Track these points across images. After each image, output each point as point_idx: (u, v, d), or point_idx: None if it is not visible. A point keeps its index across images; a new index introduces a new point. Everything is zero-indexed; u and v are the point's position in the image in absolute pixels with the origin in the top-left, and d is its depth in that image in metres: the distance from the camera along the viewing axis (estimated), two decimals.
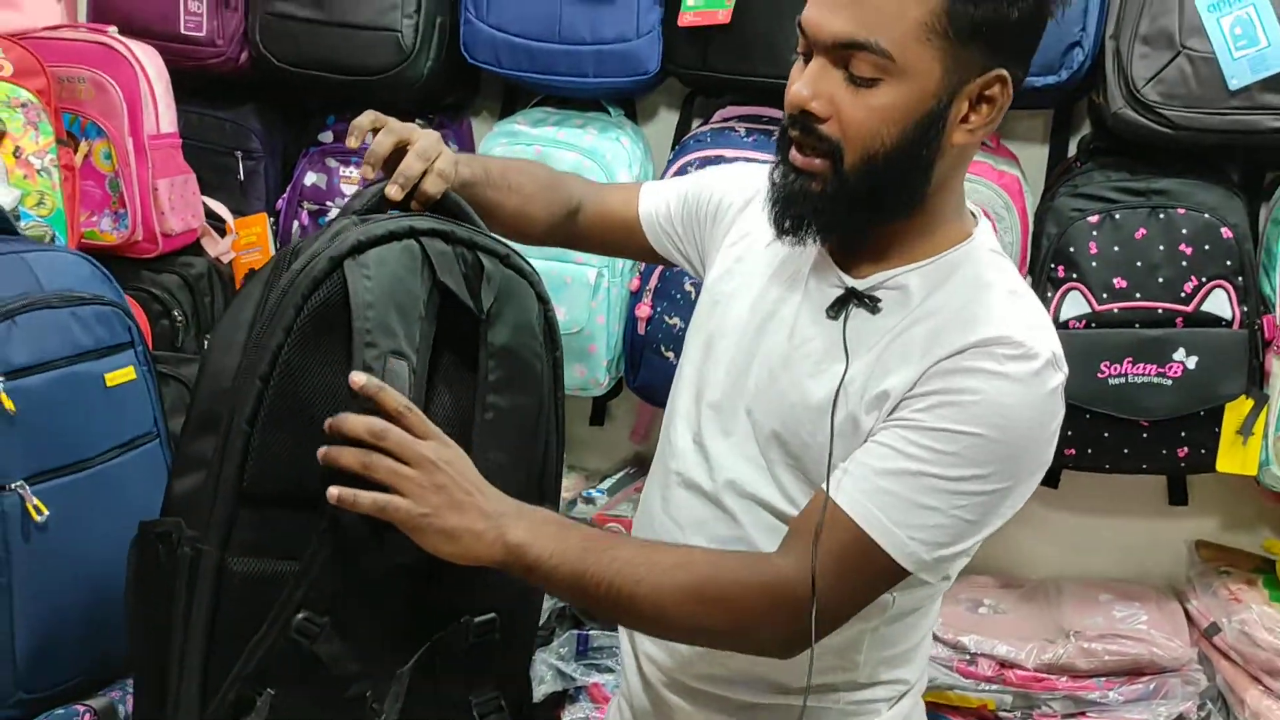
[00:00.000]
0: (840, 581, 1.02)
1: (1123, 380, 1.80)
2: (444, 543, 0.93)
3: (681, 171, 1.99)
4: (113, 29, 2.01)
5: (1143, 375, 1.79)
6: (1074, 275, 1.82)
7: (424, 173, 1.08)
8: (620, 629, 1.30)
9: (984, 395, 1.01)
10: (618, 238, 1.36)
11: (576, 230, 1.35)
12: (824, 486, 1.04)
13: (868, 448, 1.04)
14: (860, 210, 1.05)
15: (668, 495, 1.21)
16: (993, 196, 1.86)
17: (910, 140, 1.01)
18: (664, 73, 2.03)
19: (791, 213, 1.06)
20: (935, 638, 1.83)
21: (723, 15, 1.91)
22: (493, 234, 1.09)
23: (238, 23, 2.10)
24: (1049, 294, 1.84)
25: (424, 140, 1.10)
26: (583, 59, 1.98)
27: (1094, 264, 1.81)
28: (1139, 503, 2.09)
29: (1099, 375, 1.80)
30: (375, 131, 1.14)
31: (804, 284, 1.14)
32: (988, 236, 1.14)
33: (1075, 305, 1.83)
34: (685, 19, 1.94)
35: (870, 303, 1.09)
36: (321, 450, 0.91)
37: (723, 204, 1.26)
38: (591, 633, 1.94)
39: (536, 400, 1.07)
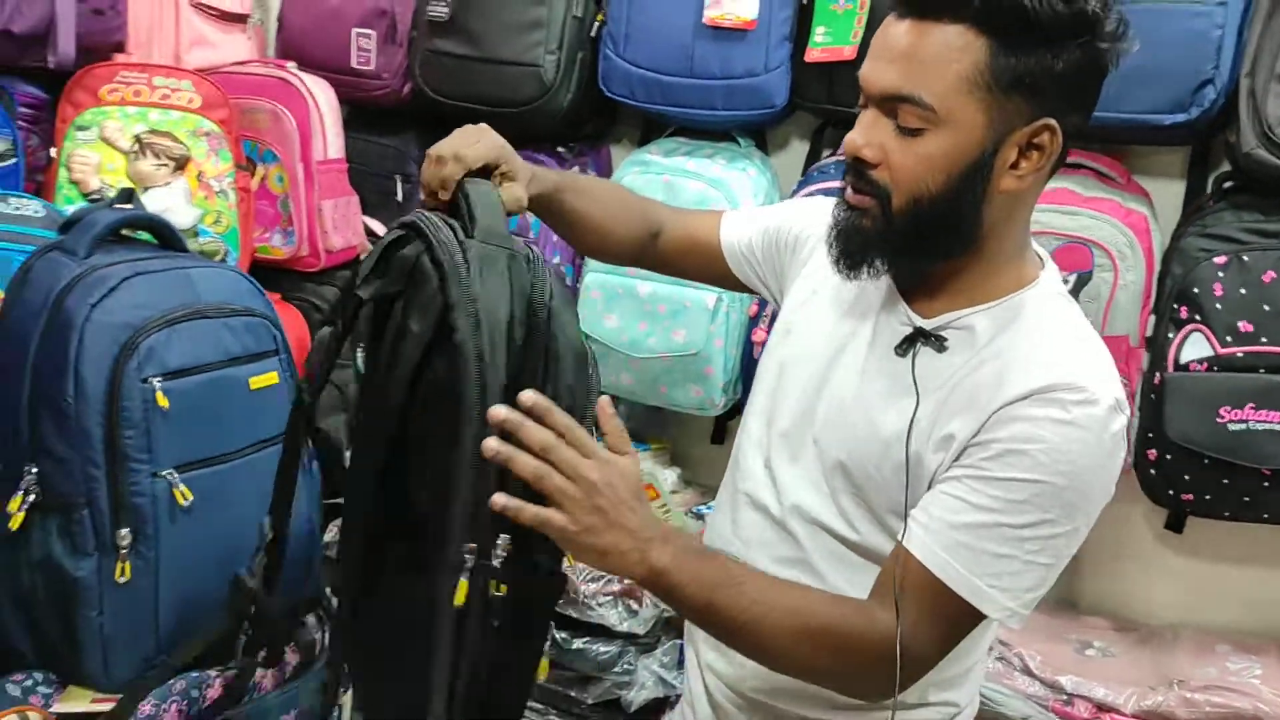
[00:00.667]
0: (931, 632, 1.08)
1: (1244, 426, 1.74)
2: (593, 558, 1.00)
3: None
4: (292, 64, 2.22)
5: (1265, 422, 1.73)
6: (1197, 316, 1.78)
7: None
8: (685, 640, 1.37)
9: (1049, 443, 1.04)
10: (698, 262, 1.42)
11: (657, 252, 1.42)
12: (902, 530, 1.10)
13: (940, 499, 1.08)
14: (908, 249, 1.10)
15: (736, 516, 1.27)
16: (1116, 234, 1.83)
17: (955, 186, 1.06)
18: (792, 106, 2.10)
19: (845, 247, 1.12)
20: (1031, 674, 1.83)
21: (848, 51, 1.96)
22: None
23: (401, 58, 2.29)
24: (1170, 334, 1.80)
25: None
26: (713, 93, 2.06)
27: (1218, 306, 1.76)
28: (1267, 553, 2.00)
29: (1219, 420, 1.75)
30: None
31: (874, 320, 1.19)
32: (1053, 280, 1.16)
33: (1197, 347, 1.79)
34: (812, 55, 2.00)
35: (937, 341, 1.13)
36: (493, 446, 0.95)
37: (801, 236, 1.33)
38: None
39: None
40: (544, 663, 1.12)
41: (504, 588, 0.97)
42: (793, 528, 1.20)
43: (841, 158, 2.09)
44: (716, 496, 1.35)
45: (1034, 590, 1.08)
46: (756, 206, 2.09)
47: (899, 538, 1.10)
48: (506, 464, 0.96)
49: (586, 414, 1.03)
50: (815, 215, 1.33)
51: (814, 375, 1.21)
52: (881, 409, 1.14)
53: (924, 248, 1.10)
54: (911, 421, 1.11)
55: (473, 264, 1.01)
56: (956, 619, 1.09)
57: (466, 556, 0.97)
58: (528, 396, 0.98)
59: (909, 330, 1.15)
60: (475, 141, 1.19)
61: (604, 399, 1.04)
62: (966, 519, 1.06)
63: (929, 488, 1.11)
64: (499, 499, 0.96)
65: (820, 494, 1.19)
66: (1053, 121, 1.05)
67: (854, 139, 1.09)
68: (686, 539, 1.07)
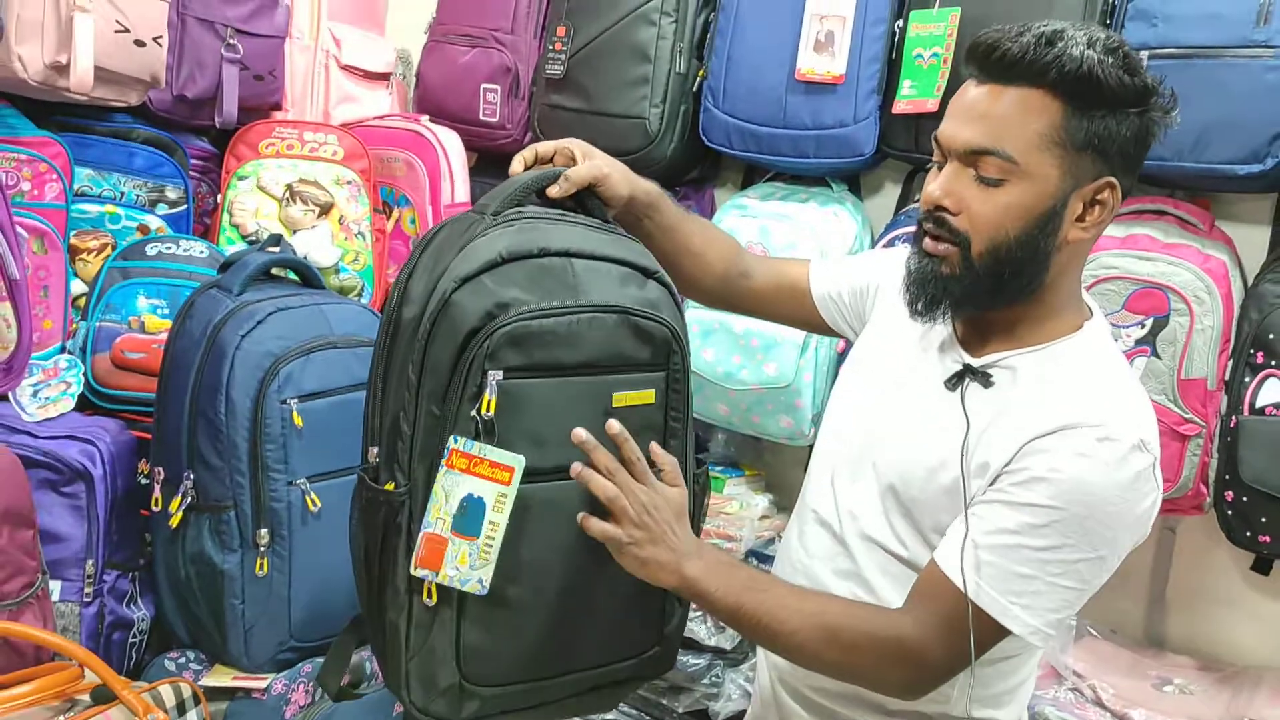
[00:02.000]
0: (949, 641, 1.18)
1: None
2: (637, 566, 1.17)
3: (892, 243, 2.16)
4: (425, 118, 2.45)
5: None
6: (1273, 362, 1.80)
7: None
8: (759, 650, 1.50)
9: (1069, 474, 1.13)
10: (786, 305, 1.53)
11: (747, 291, 1.52)
12: (937, 554, 1.20)
13: (972, 521, 1.18)
14: (984, 293, 1.20)
15: (803, 529, 1.39)
16: (1193, 280, 1.88)
17: (1031, 234, 1.16)
18: (881, 154, 2.21)
19: (923, 293, 1.22)
20: (1103, 706, 1.87)
21: (931, 104, 2.06)
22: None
23: (523, 111, 2.49)
24: (1246, 379, 1.83)
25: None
26: (804, 142, 2.19)
27: None
28: None
29: None
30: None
31: (933, 358, 1.30)
32: (1099, 328, 1.25)
33: (1273, 392, 1.81)
34: (899, 107, 2.11)
35: (984, 378, 1.24)
36: (576, 469, 1.15)
37: (882, 284, 1.43)
38: None
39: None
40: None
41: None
42: (850, 542, 1.31)
43: None
44: (793, 514, 1.47)
45: (1058, 612, 1.17)
46: (843, 251, 2.21)
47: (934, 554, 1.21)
48: (585, 482, 1.15)
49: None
50: (891, 264, 1.43)
51: (876, 404, 1.33)
52: (930, 437, 1.24)
53: (999, 291, 1.19)
54: (963, 448, 1.21)
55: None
56: (977, 632, 1.17)
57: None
58: (614, 425, 1.17)
59: (959, 367, 1.25)
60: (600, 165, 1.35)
61: (655, 446, 1.20)
62: (993, 540, 1.15)
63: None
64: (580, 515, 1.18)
65: (875, 512, 1.29)
66: (1114, 179, 1.16)
67: (933, 191, 1.19)
68: (719, 554, 1.21)
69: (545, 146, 1.35)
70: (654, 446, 1.21)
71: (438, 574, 1.13)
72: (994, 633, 1.18)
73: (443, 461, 1.14)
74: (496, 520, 1.14)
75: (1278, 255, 1.93)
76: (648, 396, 1.25)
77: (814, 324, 1.53)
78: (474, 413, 1.13)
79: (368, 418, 1.23)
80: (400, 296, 1.20)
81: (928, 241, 1.21)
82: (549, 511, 1.19)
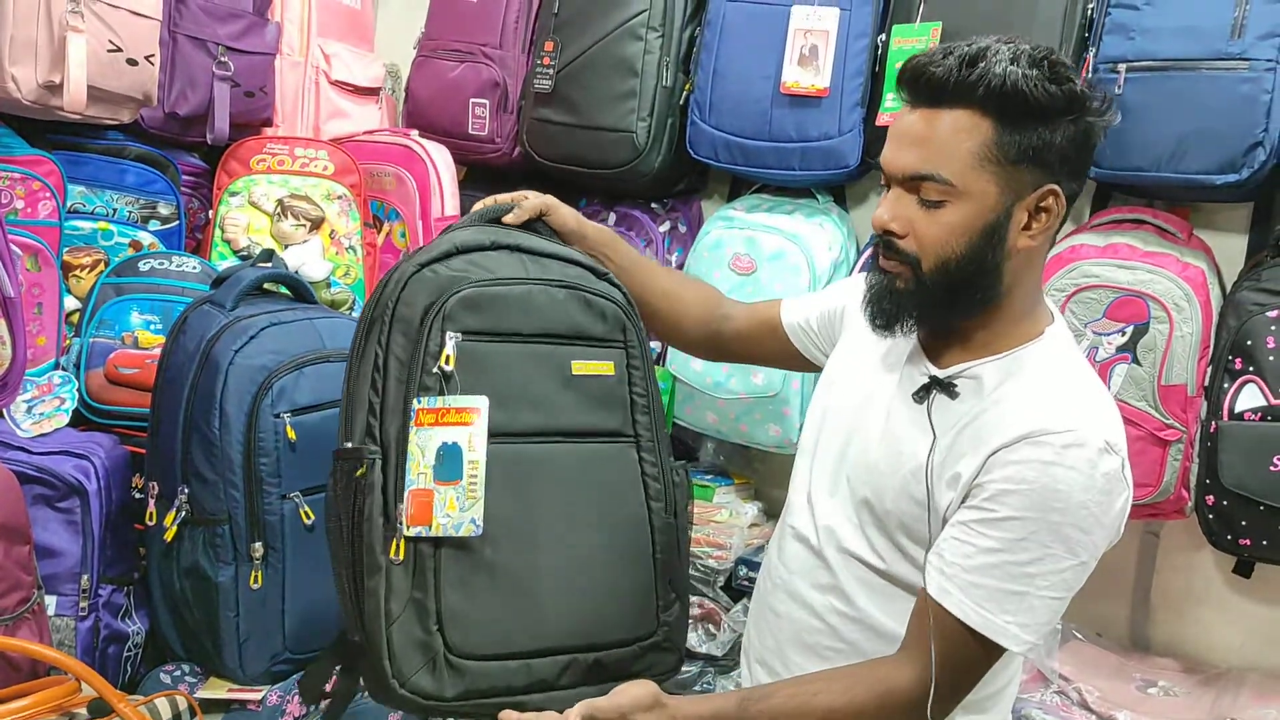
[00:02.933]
0: (955, 674, 1.20)
1: None
2: None
3: (875, 255, 2.18)
4: (414, 132, 2.47)
5: None
6: (1251, 368, 1.84)
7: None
8: (742, 662, 1.52)
9: (1040, 483, 1.16)
10: (766, 343, 1.57)
11: (732, 333, 1.58)
12: (928, 585, 1.21)
13: (951, 545, 1.20)
14: (939, 306, 1.23)
15: (783, 545, 1.42)
16: (1172, 288, 1.91)
17: (977, 248, 1.20)
18: (866, 165, 2.23)
19: (880, 307, 1.26)
20: (1089, 708, 1.90)
21: None
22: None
23: (512, 125, 2.51)
24: (1225, 385, 1.86)
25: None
26: (790, 154, 2.22)
27: (1271, 358, 1.81)
28: None
29: (1272, 469, 1.80)
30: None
31: (899, 372, 1.33)
32: (1061, 334, 1.28)
33: (1251, 398, 1.84)
34: (883, 119, 2.13)
35: (949, 389, 1.26)
36: None
37: (848, 307, 1.47)
38: None
39: None
40: None
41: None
42: (828, 556, 1.34)
43: None
44: (776, 528, 1.50)
45: (1050, 623, 1.20)
46: (830, 260, 2.23)
47: (923, 583, 1.22)
48: None
49: None
50: (857, 287, 1.47)
51: (847, 420, 1.35)
52: (900, 451, 1.27)
53: (954, 302, 1.23)
54: (929, 458, 1.24)
55: None
56: (978, 656, 1.20)
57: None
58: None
59: (926, 379, 1.28)
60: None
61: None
62: (977, 561, 1.17)
63: (943, 524, 1.24)
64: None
65: (851, 525, 1.32)
66: (1056, 187, 1.19)
67: (881, 216, 1.23)
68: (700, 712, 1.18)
69: (503, 197, 1.46)
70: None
71: (430, 527, 1.17)
72: (991, 654, 1.20)
73: (411, 423, 1.20)
74: (475, 459, 1.19)
75: (1255, 263, 1.96)
76: (607, 367, 1.33)
77: (793, 358, 1.56)
78: (435, 369, 1.21)
79: (343, 410, 1.29)
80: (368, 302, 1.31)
81: (882, 260, 1.25)
82: (517, 469, 1.24)
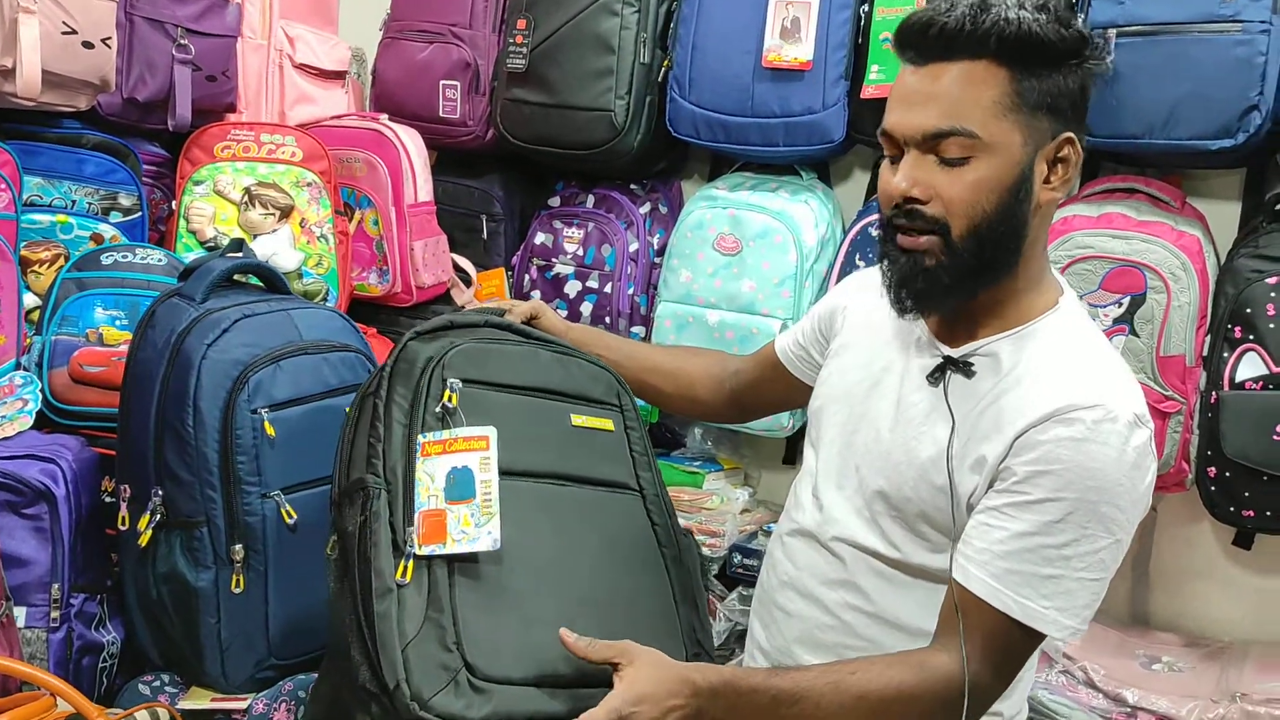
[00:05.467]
0: (997, 664, 1.15)
1: None
2: None
3: (865, 230, 2.14)
4: (384, 116, 2.39)
5: None
6: (1251, 336, 1.81)
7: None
8: (746, 657, 1.47)
9: (1073, 461, 1.11)
10: (776, 383, 1.52)
11: (747, 385, 1.55)
12: (956, 573, 1.16)
13: (981, 531, 1.15)
14: (970, 275, 1.17)
15: (787, 540, 1.36)
16: (1168, 257, 1.88)
17: (1007, 204, 1.14)
18: (851, 140, 2.19)
19: (910, 290, 1.19)
20: (1095, 686, 1.87)
21: None
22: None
23: (484, 107, 2.44)
24: (1225, 354, 1.83)
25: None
26: (773, 130, 2.16)
27: (1272, 325, 1.79)
28: None
29: (1275, 438, 1.77)
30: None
31: (906, 355, 1.27)
32: (1071, 303, 1.24)
33: (1252, 366, 1.81)
34: (867, 91, 2.09)
35: (965, 369, 1.21)
36: None
37: (837, 304, 1.43)
38: None
39: None
40: None
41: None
42: (838, 551, 1.29)
43: None
44: (776, 526, 1.45)
45: (1091, 606, 1.14)
46: (816, 238, 2.19)
47: (949, 572, 1.17)
48: None
49: None
50: (844, 287, 1.45)
51: (854, 408, 1.30)
52: (917, 436, 1.22)
53: (985, 270, 1.17)
54: (950, 442, 1.19)
55: None
56: (1016, 645, 1.15)
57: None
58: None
59: (939, 360, 1.23)
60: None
61: (564, 632, 1.10)
62: (1010, 546, 1.12)
63: (968, 511, 1.18)
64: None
65: (862, 519, 1.27)
66: (1072, 135, 1.15)
67: (898, 184, 1.16)
68: (733, 684, 1.10)
69: (491, 305, 1.50)
70: (563, 636, 1.10)
71: (445, 545, 1.12)
72: (1030, 642, 1.16)
73: (418, 455, 1.18)
74: (488, 479, 1.16)
75: (1250, 229, 1.93)
76: (606, 424, 1.34)
77: (798, 388, 1.50)
78: (438, 408, 1.20)
79: (338, 469, 1.28)
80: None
81: (902, 238, 1.18)
82: (528, 506, 1.20)
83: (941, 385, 1.22)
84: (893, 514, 1.24)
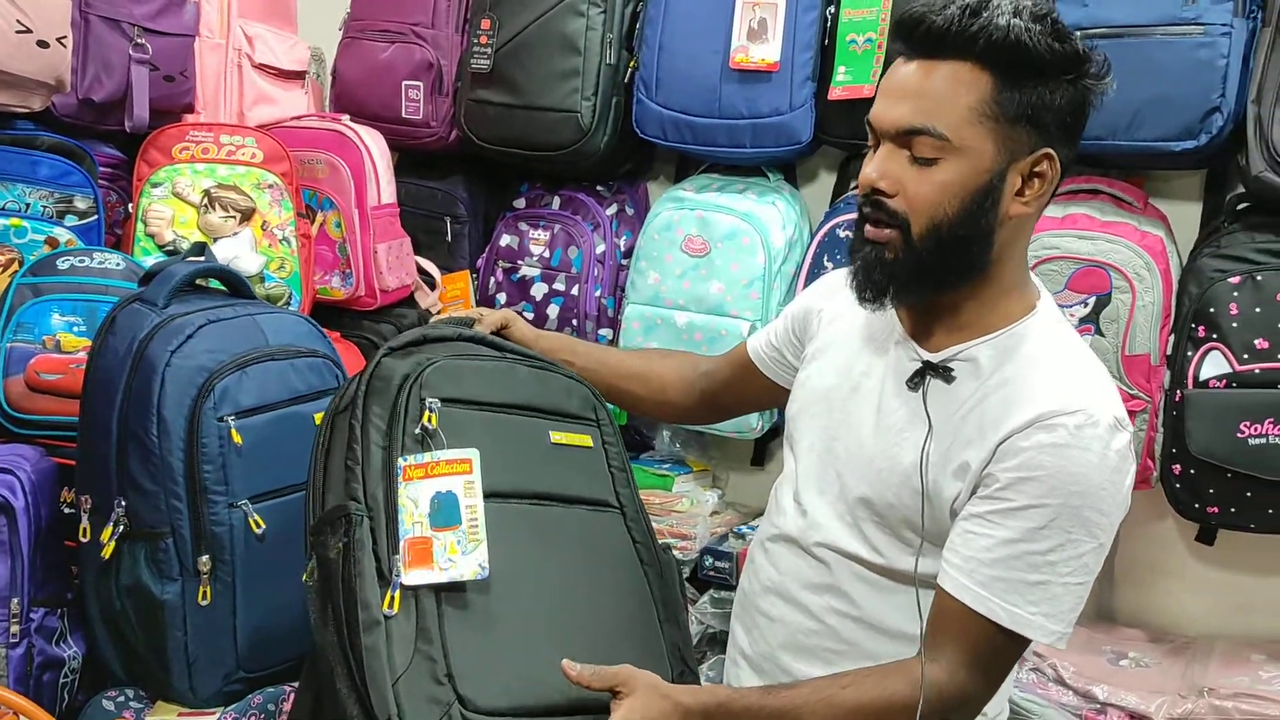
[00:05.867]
0: (987, 669, 1.15)
1: (1264, 441, 1.79)
2: None
3: (833, 232, 2.14)
4: (346, 117, 2.35)
5: None
6: (1214, 335, 1.83)
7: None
8: (727, 661, 1.45)
9: (1056, 466, 1.11)
10: (748, 383, 1.51)
11: (721, 385, 1.54)
12: (942, 580, 1.15)
13: (967, 538, 1.15)
14: (929, 275, 1.17)
15: (770, 546, 1.35)
16: (1132, 257, 1.90)
17: (970, 211, 1.14)
18: (818, 141, 2.19)
19: (869, 279, 1.19)
20: (1065, 684, 1.89)
21: (867, 89, 2.04)
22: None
23: (448, 107, 2.41)
24: (1189, 353, 1.85)
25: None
26: (740, 132, 2.16)
27: (1235, 324, 1.82)
28: None
29: (1239, 435, 1.80)
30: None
31: (885, 359, 1.27)
32: (1050, 308, 1.24)
33: (1216, 365, 1.84)
34: (834, 93, 2.09)
35: (945, 374, 1.21)
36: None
37: (813, 305, 1.42)
38: None
39: None
40: None
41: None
42: (821, 556, 1.28)
43: None
44: (757, 530, 1.44)
45: (1076, 610, 1.15)
46: (784, 239, 2.19)
47: (933, 577, 1.17)
48: None
49: None
50: (818, 289, 1.44)
51: (834, 413, 1.29)
52: (898, 442, 1.22)
53: (944, 272, 1.17)
54: (924, 448, 1.19)
55: None
56: (1005, 650, 1.15)
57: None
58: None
59: (918, 365, 1.23)
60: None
61: (565, 664, 1.09)
62: (995, 553, 1.12)
63: (951, 517, 1.18)
64: None
65: (845, 524, 1.26)
66: (1052, 151, 1.14)
67: (869, 173, 1.17)
68: (727, 706, 1.10)
69: (459, 315, 1.49)
70: (566, 669, 1.09)
71: (432, 573, 1.09)
72: (1016, 647, 1.16)
73: (399, 480, 1.15)
74: (473, 503, 1.14)
75: (1212, 229, 1.96)
76: (585, 440, 1.33)
77: (770, 389, 1.50)
78: (417, 430, 1.18)
79: (311, 496, 1.25)
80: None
81: (868, 228, 1.19)
82: (511, 528, 1.18)
83: (921, 390, 1.21)
84: (876, 520, 1.24)
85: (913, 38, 1.14)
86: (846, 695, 1.12)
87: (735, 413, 1.67)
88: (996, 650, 1.14)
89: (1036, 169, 1.15)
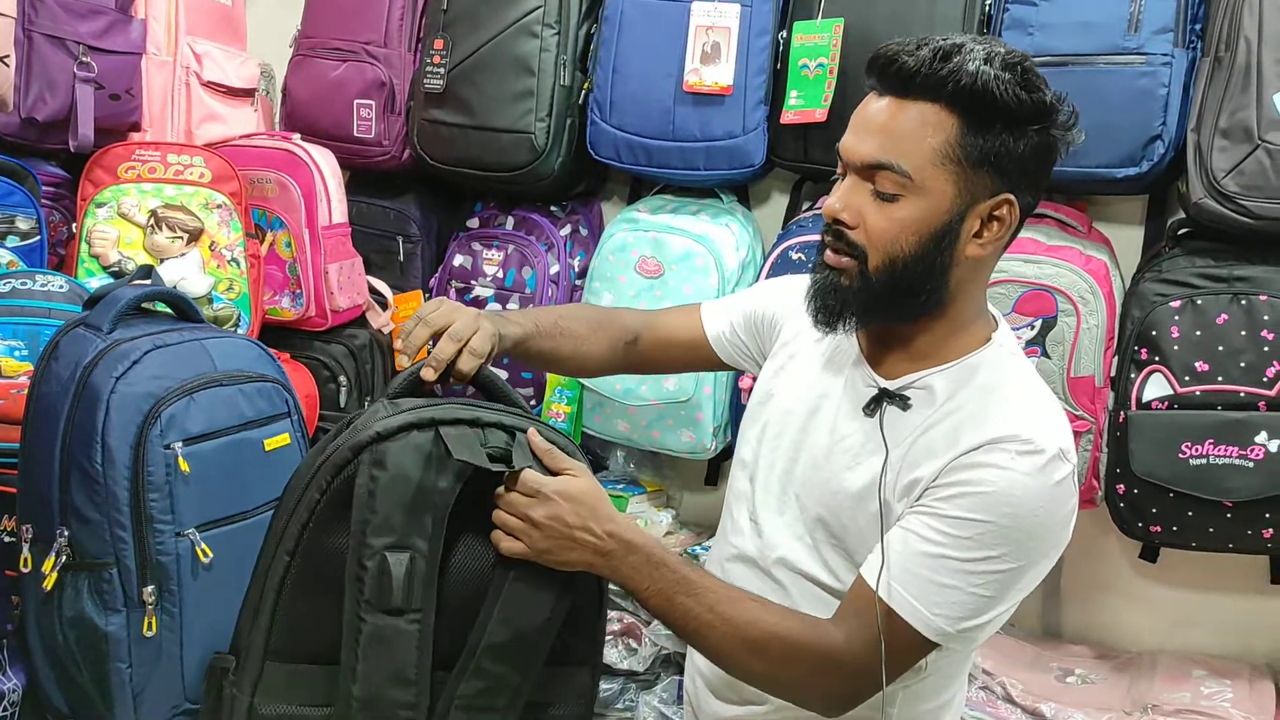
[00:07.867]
0: (876, 651, 1.15)
1: (1204, 461, 1.83)
2: (563, 568, 1.13)
3: (785, 254, 2.16)
4: (296, 136, 2.33)
5: (1224, 457, 1.82)
6: (1156, 358, 1.87)
7: (458, 353, 1.21)
8: (686, 675, 1.46)
9: (995, 487, 1.13)
10: (680, 354, 1.52)
11: (637, 356, 1.51)
12: (863, 569, 1.18)
13: (897, 533, 1.17)
14: (882, 306, 1.19)
15: (726, 567, 1.36)
16: (1077, 280, 1.93)
17: (926, 249, 1.16)
18: (770, 164, 2.20)
19: (824, 304, 1.21)
20: (1014, 702, 1.91)
21: (819, 114, 2.07)
22: (522, 411, 1.20)
23: (400, 126, 2.40)
24: (1132, 375, 1.89)
25: (459, 322, 1.22)
26: (694, 154, 2.17)
27: (1176, 347, 1.86)
28: (1241, 580, 2.09)
29: (1180, 456, 1.84)
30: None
31: (844, 383, 1.28)
32: (1006, 339, 1.26)
33: (1158, 387, 1.88)
34: (787, 117, 2.11)
35: (901, 401, 1.23)
36: (496, 513, 1.12)
37: (779, 313, 1.42)
38: None
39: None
40: None
41: None
42: (779, 576, 1.29)
43: (818, 211, 2.20)
44: (710, 549, 1.44)
45: (971, 619, 1.16)
46: (737, 261, 2.20)
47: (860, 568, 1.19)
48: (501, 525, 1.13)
49: None
50: (787, 294, 1.43)
51: (792, 435, 1.30)
52: (851, 466, 1.23)
53: (898, 305, 1.19)
54: (882, 474, 1.20)
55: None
56: (902, 640, 1.16)
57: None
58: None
59: (874, 392, 1.24)
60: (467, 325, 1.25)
61: (531, 429, 1.14)
62: (917, 550, 1.15)
63: None
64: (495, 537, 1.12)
65: (804, 545, 1.27)
66: (1012, 197, 1.16)
67: (832, 204, 1.19)
68: (650, 549, 1.16)
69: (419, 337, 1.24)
70: (531, 435, 1.14)
71: None
72: (915, 642, 1.17)
73: None
74: None
75: (1154, 254, 2.00)
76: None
77: (712, 364, 1.52)
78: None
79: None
80: None
81: (828, 254, 1.21)
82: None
83: (877, 416, 1.23)
84: (832, 542, 1.25)
85: (885, 75, 1.16)
86: (752, 605, 1.18)
87: (656, 371, 1.69)
88: (893, 637, 1.16)
89: (996, 213, 1.16)
